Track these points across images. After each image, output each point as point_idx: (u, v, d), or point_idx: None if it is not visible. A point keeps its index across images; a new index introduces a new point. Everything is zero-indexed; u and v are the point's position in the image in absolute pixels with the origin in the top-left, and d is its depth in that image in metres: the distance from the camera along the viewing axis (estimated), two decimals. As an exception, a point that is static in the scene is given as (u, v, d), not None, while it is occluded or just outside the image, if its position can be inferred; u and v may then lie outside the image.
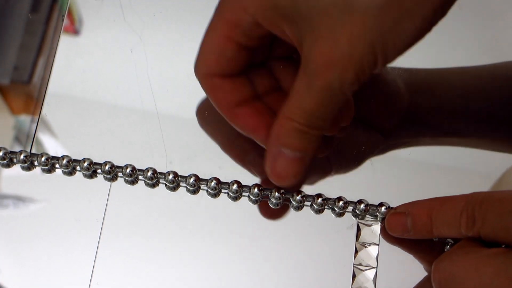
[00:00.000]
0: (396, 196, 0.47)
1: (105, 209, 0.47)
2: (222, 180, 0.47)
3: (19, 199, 0.48)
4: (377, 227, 0.47)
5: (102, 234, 0.47)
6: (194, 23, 0.52)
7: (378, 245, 0.47)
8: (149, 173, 0.47)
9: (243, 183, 0.47)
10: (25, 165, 0.48)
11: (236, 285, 0.46)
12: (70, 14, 0.54)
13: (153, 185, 0.48)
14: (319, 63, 0.36)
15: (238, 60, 0.41)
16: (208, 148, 0.49)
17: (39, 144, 0.49)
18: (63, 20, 0.54)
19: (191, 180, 0.47)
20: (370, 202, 0.47)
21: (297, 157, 0.40)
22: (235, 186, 0.47)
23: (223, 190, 0.48)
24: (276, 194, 0.47)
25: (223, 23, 0.40)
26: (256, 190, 0.47)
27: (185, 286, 0.46)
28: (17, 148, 0.49)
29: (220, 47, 0.40)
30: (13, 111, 0.51)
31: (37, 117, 0.50)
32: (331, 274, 0.47)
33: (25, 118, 0.50)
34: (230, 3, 0.39)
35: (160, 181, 0.48)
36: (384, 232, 0.46)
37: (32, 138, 0.49)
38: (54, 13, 0.54)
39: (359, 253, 0.47)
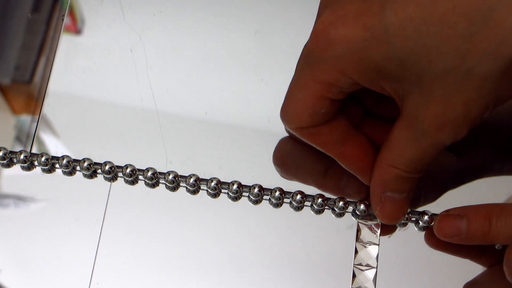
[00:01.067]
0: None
1: (105, 209, 0.47)
2: (222, 180, 0.47)
3: (19, 199, 0.48)
4: (377, 227, 0.47)
5: (102, 234, 0.47)
6: (194, 22, 0.52)
7: (378, 245, 0.46)
8: (149, 173, 0.47)
9: (243, 183, 0.47)
10: (25, 165, 0.48)
11: (235, 285, 0.46)
12: (71, 13, 0.54)
13: (153, 185, 0.48)
14: (432, 123, 0.37)
15: (331, 112, 0.41)
16: (208, 148, 0.49)
17: (40, 143, 0.49)
18: (63, 20, 0.54)
19: (191, 180, 0.47)
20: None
21: (403, 197, 0.42)
22: (235, 186, 0.47)
23: (223, 190, 0.48)
24: (277, 194, 0.47)
25: (317, 82, 0.39)
26: (256, 190, 0.47)
27: (185, 286, 0.46)
28: (17, 148, 0.49)
29: (314, 106, 0.40)
30: (14, 110, 0.51)
31: (37, 117, 0.50)
32: (331, 274, 0.47)
33: (26, 118, 0.51)
34: (324, 64, 0.38)
35: (160, 181, 0.48)
36: (429, 236, 0.46)
37: (33, 138, 0.49)
38: (55, 13, 0.54)
39: (359, 253, 0.46)
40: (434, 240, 0.45)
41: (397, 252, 0.47)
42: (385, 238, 0.47)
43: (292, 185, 0.47)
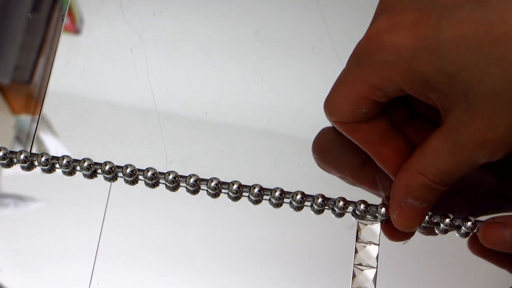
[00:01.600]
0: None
1: (105, 209, 0.47)
2: (222, 180, 0.47)
3: (19, 199, 0.48)
4: (377, 227, 0.47)
5: (102, 234, 0.47)
6: (194, 22, 0.52)
7: (378, 245, 0.47)
8: (149, 173, 0.47)
9: (243, 183, 0.47)
10: (25, 165, 0.48)
11: (235, 284, 0.46)
12: (70, 13, 0.54)
13: (153, 185, 0.48)
14: (471, 139, 0.37)
15: (373, 112, 0.41)
16: (208, 148, 0.49)
17: (40, 143, 0.49)
18: (63, 20, 0.54)
19: (191, 180, 0.47)
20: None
21: (424, 207, 0.42)
22: (235, 186, 0.47)
23: (223, 190, 0.48)
24: (277, 194, 0.47)
25: (363, 83, 0.39)
26: (256, 190, 0.47)
27: (185, 285, 0.46)
28: (17, 148, 0.49)
29: (356, 104, 0.40)
30: (14, 110, 0.51)
31: (37, 117, 0.50)
32: (331, 274, 0.47)
33: (25, 118, 0.51)
34: (372, 67, 0.39)
35: (160, 181, 0.48)
36: (473, 244, 0.46)
37: (33, 138, 0.49)
38: (55, 13, 0.54)
39: (359, 253, 0.46)
40: (478, 247, 0.46)
41: (397, 252, 0.47)
42: (385, 238, 0.47)
43: (292, 186, 0.47)
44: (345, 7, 0.54)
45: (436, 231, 0.47)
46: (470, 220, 0.46)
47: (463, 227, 0.46)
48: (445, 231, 0.47)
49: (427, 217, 0.46)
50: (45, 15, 0.54)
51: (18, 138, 0.50)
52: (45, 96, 0.51)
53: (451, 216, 0.46)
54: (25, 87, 0.52)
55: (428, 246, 0.47)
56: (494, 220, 0.44)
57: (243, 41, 0.53)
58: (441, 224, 0.46)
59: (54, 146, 0.49)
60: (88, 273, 0.46)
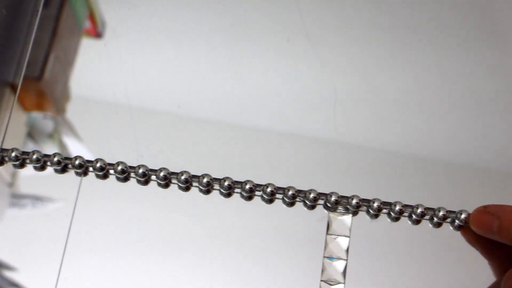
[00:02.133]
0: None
1: (75, 204, 0.47)
2: (193, 173, 0.47)
3: (37, 199, 0.48)
4: (348, 219, 0.47)
5: (71, 228, 0.47)
6: (168, 15, 0.52)
7: (349, 237, 0.46)
8: (119, 167, 0.47)
9: (213, 177, 0.47)
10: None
11: (205, 276, 0.46)
12: (92, 17, 0.54)
13: (124, 179, 0.48)
14: None
15: None
16: (180, 142, 0.49)
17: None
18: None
19: (161, 174, 0.47)
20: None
21: None
22: (205, 180, 0.47)
23: (194, 184, 0.48)
24: (247, 187, 0.47)
25: None
26: (227, 183, 0.47)
27: (154, 278, 0.46)
28: (29, 144, 0.49)
29: None
30: (25, 107, 0.51)
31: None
32: (301, 267, 0.46)
33: (37, 115, 0.51)
34: None
35: (131, 175, 0.48)
36: (467, 232, 0.46)
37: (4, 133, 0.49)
38: (65, 9, 0.54)
39: (330, 245, 0.46)
40: (469, 235, 0.45)
41: (368, 245, 0.46)
42: (355, 229, 0.47)
43: (262, 179, 0.47)
44: (321, -1, 0.54)
45: (283, 204, 0.47)
46: (313, 192, 0.46)
47: (306, 200, 0.47)
48: (291, 204, 0.47)
49: (270, 189, 0.46)
50: (55, 12, 0.54)
51: (30, 135, 0.50)
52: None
53: (295, 189, 0.46)
54: (36, 83, 0.52)
55: (398, 238, 0.47)
56: (485, 209, 0.44)
57: (218, 34, 0.53)
58: (285, 198, 0.47)
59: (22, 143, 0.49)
60: (57, 268, 0.46)
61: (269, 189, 0.47)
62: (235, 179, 0.47)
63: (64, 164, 0.47)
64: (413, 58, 0.52)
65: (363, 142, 0.50)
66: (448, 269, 0.47)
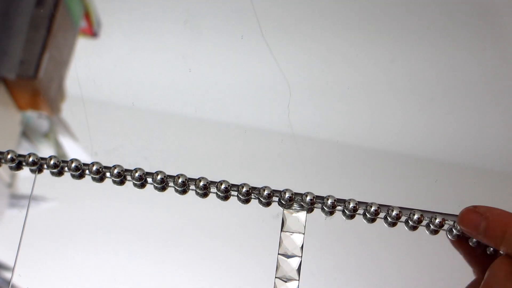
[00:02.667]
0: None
1: (29, 201, 0.47)
2: (147, 171, 0.47)
3: (33, 199, 0.48)
4: (302, 216, 0.47)
5: (25, 225, 0.46)
6: (121, 11, 0.52)
7: (304, 234, 0.46)
8: (73, 165, 0.47)
9: (168, 174, 0.47)
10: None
11: (159, 273, 0.46)
12: (88, 16, 0.53)
13: (79, 177, 0.48)
14: None
15: None
16: (134, 138, 0.49)
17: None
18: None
19: (115, 171, 0.47)
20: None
21: None
22: (159, 177, 0.47)
23: (149, 180, 0.48)
24: (201, 184, 0.47)
25: None
26: (180, 180, 0.47)
27: (104, 273, 0.46)
28: (24, 144, 0.49)
29: None
30: (20, 106, 0.51)
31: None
32: (256, 264, 0.46)
33: (32, 114, 0.50)
34: None
35: (86, 172, 0.48)
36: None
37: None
38: (60, 9, 0.53)
39: (284, 242, 0.46)
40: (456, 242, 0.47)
41: (322, 241, 0.47)
42: (310, 225, 0.47)
43: (217, 175, 0.47)
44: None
45: (238, 201, 0.48)
46: (267, 189, 0.47)
47: (261, 198, 0.47)
48: (246, 201, 0.48)
49: (223, 185, 0.46)
50: (49, 10, 0.53)
51: (25, 134, 0.49)
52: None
53: (249, 186, 0.47)
54: (30, 82, 0.51)
55: (352, 235, 0.47)
56: (475, 209, 0.44)
57: (171, 31, 0.53)
58: (240, 195, 0.47)
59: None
60: (11, 265, 0.45)
61: (223, 186, 0.47)
62: (189, 174, 0.47)
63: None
64: (368, 51, 0.52)
65: (318, 135, 0.50)
66: (402, 265, 0.47)
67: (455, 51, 0.53)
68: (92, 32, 0.53)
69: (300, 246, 0.46)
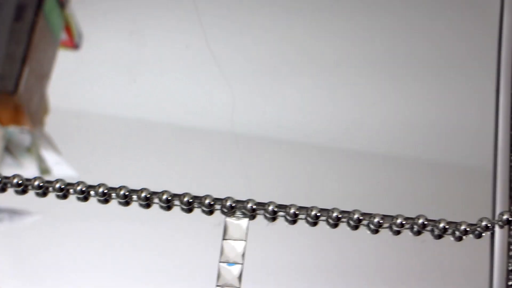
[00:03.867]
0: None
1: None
2: (89, 183, 0.47)
3: (14, 212, 0.48)
4: (244, 224, 0.47)
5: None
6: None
7: (245, 241, 0.46)
8: (15, 181, 0.47)
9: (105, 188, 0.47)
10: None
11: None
12: (68, 28, 0.54)
13: (22, 192, 0.48)
14: None
15: None
16: (79, 150, 0.49)
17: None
18: None
19: (57, 185, 0.47)
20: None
21: None
22: (101, 189, 0.47)
23: (91, 193, 0.48)
24: (143, 195, 0.47)
25: None
26: (122, 192, 0.47)
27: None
28: (7, 159, 0.49)
29: None
30: (1, 122, 0.51)
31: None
32: (198, 273, 0.46)
33: (14, 129, 0.51)
34: None
35: (29, 188, 0.48)
36: None
37: None
38: (39, 22, 0.54)
39: (226, 250, 0.46)
40: None
41: (264, 248, 0.47)
42: (252, 233, 0.47)
43: (161, 186, 0.47)
44: (220, 4, 0.54)
45: (182, 210, 0.48)
46: (208, 198, 0.47)
47: (203, 207, 0.47)
48: (188, 210, 0.48)
49: (165, 196, 0.47)
50: (29, 24, 0.54)
51: (7, 149, 0.50)
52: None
53: (191, 195, 0.47)
54: (10, 97, 0.52)
55: (294, 241, 0.47)
56: None
57: (116, 42, 0.53)
58: (182, 205, 0.47)
59: None
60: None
61: (164, 197, 0.47)
62: (131, 186, 0.47)
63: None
64: (313, 57, 0.52)
65: (262, 142, 0.50)
66: (346, 268, 0.47)
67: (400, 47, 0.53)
68: (74, 44, 0.53)
69: (242, 253, 0.46)
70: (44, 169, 0.49)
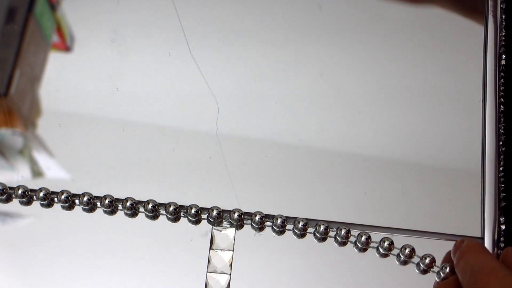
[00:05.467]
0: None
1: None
2: (74, 192, 0.47)
3: (6, 215, 0.47)
4: (231, 233, 0.47)
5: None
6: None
7: (233, 251, 0.46)
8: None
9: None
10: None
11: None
12: (60, 31, 0.53)
13: (6, 200, 0.48)
14: None
15: None
16: (61, 160, 0.49)
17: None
18: None
19: (41, 193, 0.47)
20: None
21: None
22: (86, 198, 0.47)
23: (76, 201, 0.47)
24: (128, 204, 0.47)
25: None
26: (107, 201, 0.47)
27: None
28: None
29: None
30: None
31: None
32: (185, 283, 0.46)
33: (6, 131, 0.50)
34: None
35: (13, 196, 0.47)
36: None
37: None
38: (30, 25, 0.53)
39: (213, 260, 0.46)
40: None
41: (251, 258, 0.46)
42: (239, 243, 0.47)
43: (146, 195, 0.47)
44: (202, 12, 0.54)
45: (168, 220, 0.48)
46: (195, 207, 0.47)
47: (189, 216, 0.47)
48: (174, 220, 0.48)
49: (151, 205, 0.46)
50: (20, 27, 0.53)
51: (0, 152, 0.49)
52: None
53: (176, 204, 0.47)
54: (1, 100, 0.51)
55: (283, 251, 0.47)
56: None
57: (98, 51, 0.52)
58: (168, 214, 0.47)
59: None
60: None
61: (150, 206, 0.47)
62: (116, 195, 0.47)
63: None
64: (295, 66, 0.52)
65: (246, 151, 0.50)
66: (332, 280, 0.47)
67: (384, 62, 0.53)
68: (66, 46, 0.52)
69: (229, 263, 0.46)
70: (37, 172, 0.49)
